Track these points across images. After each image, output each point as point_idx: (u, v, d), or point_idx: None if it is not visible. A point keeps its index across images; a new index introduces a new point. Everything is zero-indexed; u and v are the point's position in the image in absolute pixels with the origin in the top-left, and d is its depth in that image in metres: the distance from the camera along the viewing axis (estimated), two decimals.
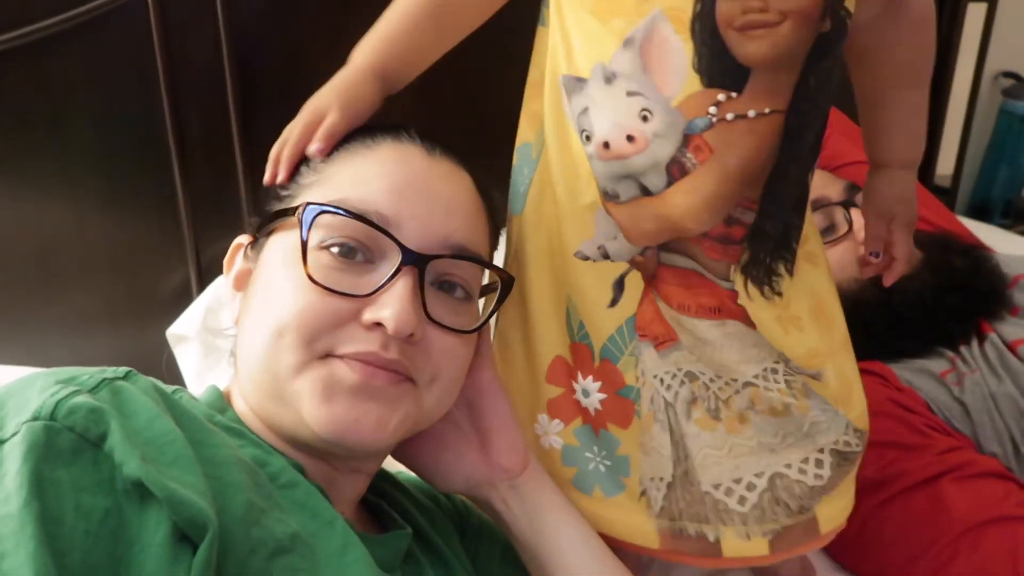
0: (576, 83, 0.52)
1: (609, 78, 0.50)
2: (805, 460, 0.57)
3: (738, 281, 0.54)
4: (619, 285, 0.55)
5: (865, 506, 0.79)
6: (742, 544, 0.58)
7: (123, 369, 0.41)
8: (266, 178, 0.52)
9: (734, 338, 0.55)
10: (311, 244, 0.46)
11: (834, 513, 0.61)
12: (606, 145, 0.51)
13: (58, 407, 0.35)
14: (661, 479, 0.58)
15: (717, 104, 0.48)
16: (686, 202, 0.50)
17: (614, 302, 0.55)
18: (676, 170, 0.50)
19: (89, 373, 0.39)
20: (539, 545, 0.54)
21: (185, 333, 0.85)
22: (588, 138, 0.52)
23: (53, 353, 0.91)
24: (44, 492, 0.33)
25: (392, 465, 0.64)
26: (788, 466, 0.57)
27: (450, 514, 0.60)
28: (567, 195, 0.56)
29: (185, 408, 0.42)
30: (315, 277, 0.45)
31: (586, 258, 0.56)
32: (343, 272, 0.46)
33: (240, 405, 0.50)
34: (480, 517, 0.61)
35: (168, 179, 0.90)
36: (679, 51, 0.48)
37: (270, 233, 0.50)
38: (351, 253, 0.47)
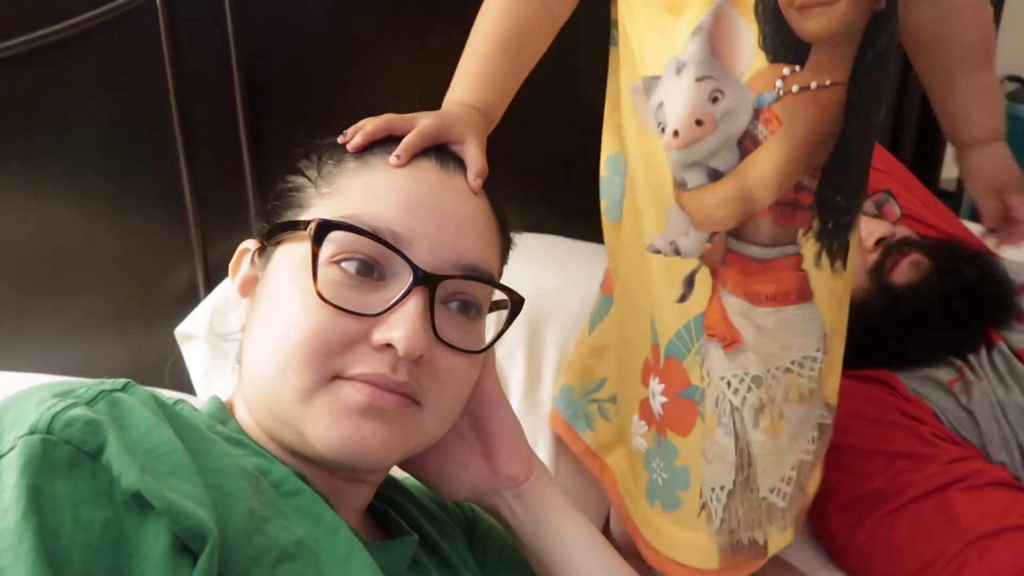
0: (652, 81, 0.56)
1: (680, 68, 0.53)
2: (808, 440, 0.62)
3: (808, 246, 0.56)
4: (689, 282, 0.58)
5: (874, 516, 0.79)
6: (780, 537, 0.63)
7: (121, 381, 0.40)
8: (350, 140, 0.49)
9: (784, 325, 0.57)
10: (321, 259, 0.46)
11: (816, 484, 0.66)
12: (676, 133, 0.54)
13: (55, 420, 0.35)
14: (722, 488, 0.60)
15: (783, 78, 0.52)
16: (760, 171, 0.53)
17: (683, 298, 0.58)
18: (749, 143, 0.53)
19: (87, 386, 0.39)
20: (546, 551, 0.54)
21: (193, 332, 0.85)
22: (663, 130, 0.55)
23: (60, 355, 0.91)
24: (42, 505, 0.33)
25: (398, 471, 0.64)
26: (804, 451, 0.62)
27: (457, 519, 0.60)
28: (646, 191, 0.59)
29: (185, 418, 0.42)
30: (325, 295, 0.45)
31: (658, 251, 0.59)
32: (352, 289, 0.46)
33: (243, 414, 0.49)
34: (488, 522, 0.61)
35: (176, 181, 0.90)
36: (746, 32, 0.51)
37: (279, 242, 0.49)
38: (367, 271, 0.46)
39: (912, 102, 1.47)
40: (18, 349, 0.90)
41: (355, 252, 0.46)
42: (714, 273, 0.57)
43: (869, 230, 0.90)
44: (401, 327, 0.44)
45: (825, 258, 0.57)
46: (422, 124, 0.50)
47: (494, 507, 0.55)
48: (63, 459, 0.34)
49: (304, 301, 0.45)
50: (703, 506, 0.59)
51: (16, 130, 0.83)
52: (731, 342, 0.57)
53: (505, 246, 0.54)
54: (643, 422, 0.63)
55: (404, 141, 0.49)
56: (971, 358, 0.86)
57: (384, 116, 0.51)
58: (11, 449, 0.34)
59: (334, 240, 0.46)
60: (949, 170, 1.64)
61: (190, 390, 0.88)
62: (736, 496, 0.60)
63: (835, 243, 0.57)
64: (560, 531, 0.54)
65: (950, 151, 1.67)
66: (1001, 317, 0.90)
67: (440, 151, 0.51)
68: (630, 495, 0.66)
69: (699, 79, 0.52)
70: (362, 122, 0.51)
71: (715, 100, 0.52)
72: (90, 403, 0.37)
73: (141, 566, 0.34)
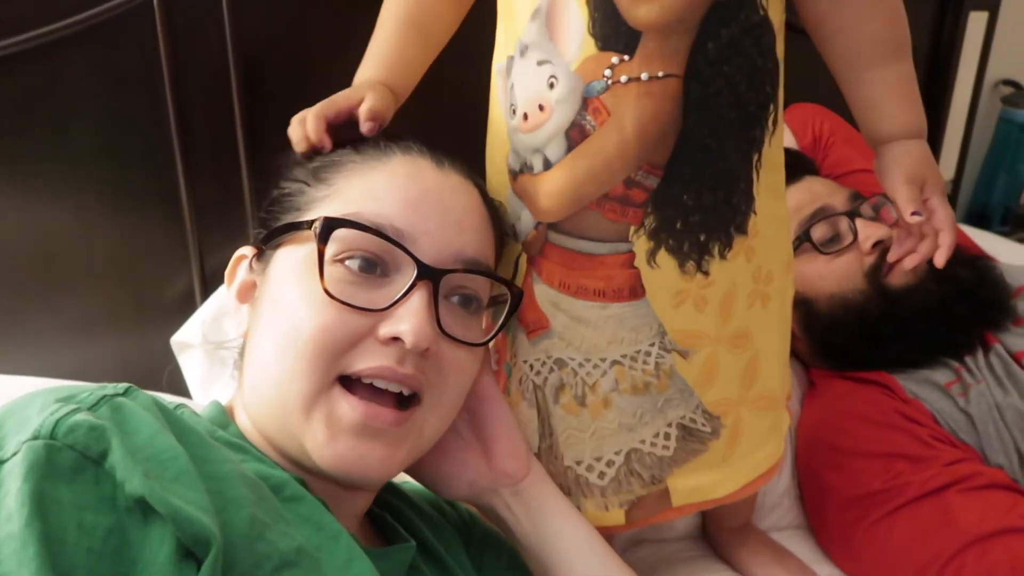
0: (509, 62, 0.55)
1: (523, 51, 0.52)
2: (656, 434, 0.60)
3: (640, 244, 0.54)
4: (515, 264, 0.57)
5: (872, 517, 0.80)
6: (600, 514, 0.61)
7: (123, 385, 0.40)
8: (301, 147, 0.52)
9: (613, 320, 0.55)
10: (326, 259, 0.46)
11: (688, 488, 0.62)
12: (525, 117, 0.53)
13: (58, 425, 0.35)
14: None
15: (611, 67, 0.50)
16: (587, 164, 0.52)
17: (512, 278, 0.58)
18: (576, 133, 0.51)
19: (89, 390, 0.39)
20: (544, 550, 0.54)
21: (189, 341, 0.85)
22: (515, 112, 0.54)
23: (56, 358, 0.90)
24: (46, 511, 0.33)
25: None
26: (643, 442, 0.60)
27: (455, 524, 0.60)
28: (492, 174, 0.59)
29: (186, 424, 0.42)
30: (332, 291, 0.45)
31: None
32: (357, 286, 0.46)
33: (243, 420, 0.49)
34: (485, 526, 0.61)
35: (173, 184, 0.89)
36: (576, 16, 0.50)
37: (278, 246, 0.49)
38: (371, 267, 0.47)
39: None
40: (12, 351, 0.90)
41: (358, 250, 0.46)
42: (530, 261, 0.56)
43: (867, 233, 0.90)
44: (408, 320, 0.45)
45: (667, 258, 0.54)
46: (320, 104, 0.53)
47: (492, 506, 0.55)
48: (67, 464, 0.34)
49: (310, 301, 0.46)
50: None
51: (12, 131, 0.83)
52: (535, 329, 0.57)
53: (500, 241, 0.54)
54: None
55: (309, 125, 0.51)
56: (968, 360, 0.87)
57: (310, 110, 0.52)
58: (14, 454, 0.34)
59: (338, 239, 0.46)
60: (945, 172, 1.65)
61: (187, 397, 0.87)
62: (542, 459, 0.60)
63: (684, 243, 0.54)
64: (559, 530, 0.54)
65: (946, 154, 1.68)
66: (998, 320, 0.90)
67: (434, 150, 0.52)
68: None
69: (539, 63, 0.51)
70: (301, 125, 0.52)
71: (552, 86, 0.51)
72: (92, 408, 0.37)
73: (145, 572, 0.34)
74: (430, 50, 0.61)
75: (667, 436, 0.60)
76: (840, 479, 0.83)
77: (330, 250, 0.46)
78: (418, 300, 0.46)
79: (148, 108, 0.86)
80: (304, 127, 0.52)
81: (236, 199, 0.93)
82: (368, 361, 0.45)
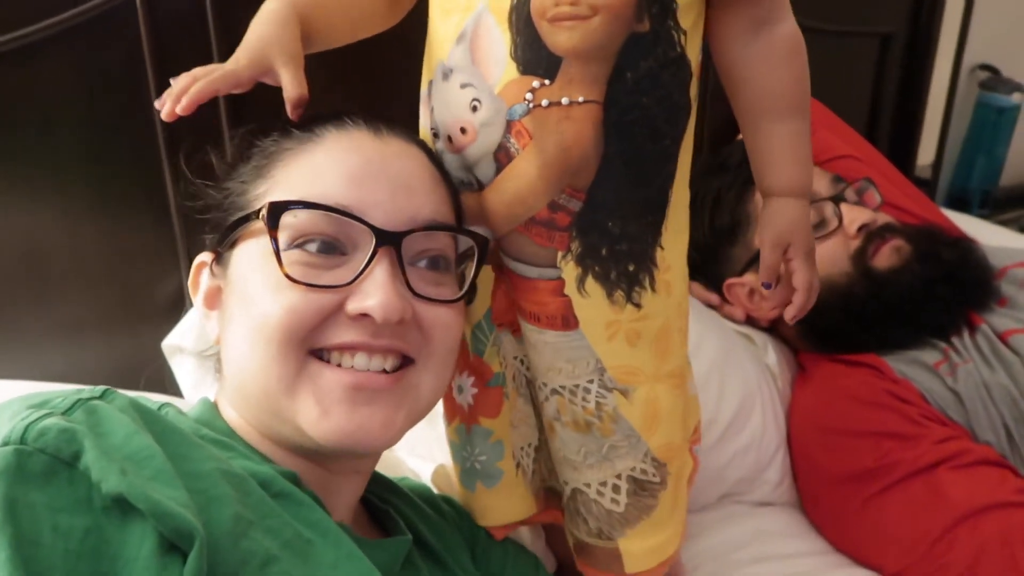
0: (430, 85, 0.55)
1: (446, 74, 0.52)
2: (603, 483, 0.58)
3: (568, 270, 0.53)
4: (472, 284, 0.56)
5: (863, 494, 0.80)
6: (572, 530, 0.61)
7: (100, 388, 0.40)
8: (166, 111, 0.48)
9: (549, 348, 0.55)
10: (281, 245, 0.45)
11: (641, 554, 0.60)
12: (449, 139, 0.53)
13: (28, 430, 0.35)
14: (530, 444, 0.61)
15: (532, 91, 0.50)
16: (514, 186, 0.52)
17: (470, 300, 0.57)
18: (503, 156, 0.51)
19: (63, 396, 0.38)
20: None
21: (181, 344, 0.84)
22: (437, 135, 0.54)
23: (45, 361, 0.89)
24: (18, 516, 0.33)
25: (391, 471, 0.63)
26: (587, 485, 0.58)
27: (456, 525, 0.60)
28: None
29: (168, 423, 0.41)
30: (292, 275, 0.44)
31: None
32: (318, 268, 0.45)
33: (231, 415, 0.49)
34: (489, 539, 0.61)
35: (160, 184, 0.88)
36: (500, 41, 0.50)
37: (233, 245, 0.48)
38: (328, 249, 0.46)
39: (887, 91, 1.49)
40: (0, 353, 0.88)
41: (312, 233, 0.46)
42: (495, 270, 0.56)
43: (852, 217, 0.91)
44: (375, 295, 0.44)
45: (595, 286, 0.53)
46: (221, 69, 0.49)
47: None
48: (38, 468, 0.34)
49: (273, 288, 0.45)
50: (518, 465, 0.61)
51: None
52: (518, 328, 0.57)
53: (455, 197, 0.53)
54: (445, 419, 0.63)
55: (193, 89, 0.47)
56: (955, 341, 0.88)
57: (190, 73, 0.48)
58: None
59: (289, 225, 0.45)
60: (925, 157, 1.67)
61: (176, 395, 0.86)
62: (543, 450, 0.61)
63: (611, 272, 0.53)
64: None
65: (925, 138, 1.69)
66: (982, 300, 0.91)
67: (368, 119, 0.51)
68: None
69: (463, 86, 0.52)
70: (188, 81, 0.48)
71: (475, 109, 0.51)
72: (66, 412, 0.37)
73: (126, 569, 0.34)
74: (347, 21, 0.57)
75: (616, 489, 0.58)
76: (832, 458, 0.83)
77: (284, 237, 0.45)
78: (382, 271, 0.45)
79: (133, 108, 0.85)
80: (186, 86, 0.48)
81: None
82: (341, 336, 0.45)
